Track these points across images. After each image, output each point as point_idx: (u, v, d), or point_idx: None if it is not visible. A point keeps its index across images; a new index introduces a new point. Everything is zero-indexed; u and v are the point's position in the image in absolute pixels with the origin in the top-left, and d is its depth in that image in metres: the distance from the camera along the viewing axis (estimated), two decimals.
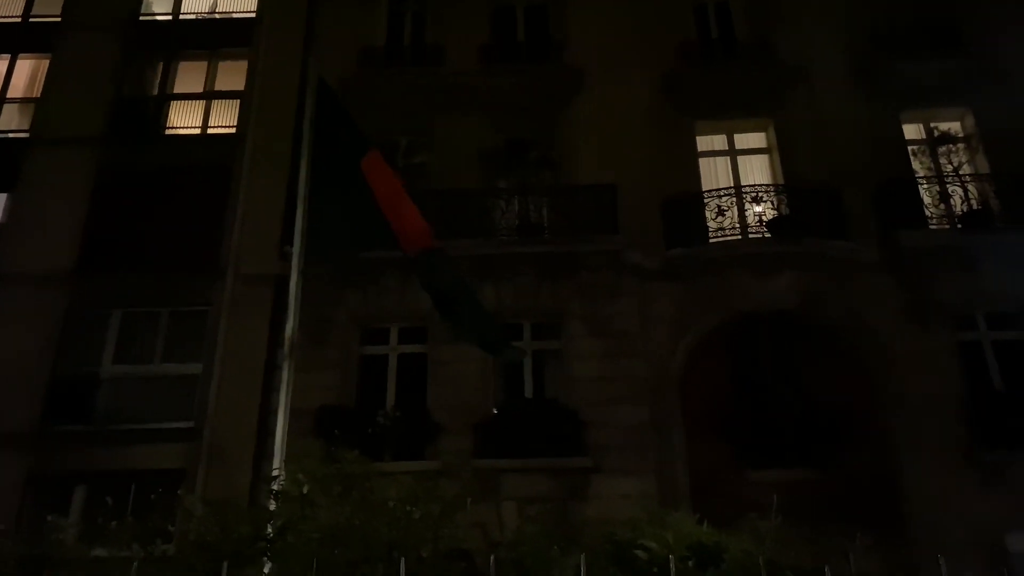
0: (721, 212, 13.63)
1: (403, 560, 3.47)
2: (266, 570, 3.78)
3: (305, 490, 4.20)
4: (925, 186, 13.75)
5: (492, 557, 3.45)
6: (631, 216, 13.56)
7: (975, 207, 13.32)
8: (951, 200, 13.49)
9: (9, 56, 15.96)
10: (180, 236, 13.89)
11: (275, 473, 5.30)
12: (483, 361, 13.07)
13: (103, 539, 4.43)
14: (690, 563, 3.43)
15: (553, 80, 15.07)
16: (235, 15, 16.58)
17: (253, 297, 13.08)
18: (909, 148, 14.40)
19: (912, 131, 14.66)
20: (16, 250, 13.74)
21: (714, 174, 14.83)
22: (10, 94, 15.66)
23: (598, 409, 12.48)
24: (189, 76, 15.85)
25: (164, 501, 4.73)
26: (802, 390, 12.68)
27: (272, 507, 4.32)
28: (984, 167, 13.96)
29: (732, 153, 15.01)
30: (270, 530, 4.06)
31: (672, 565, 3.31)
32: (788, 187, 13.88)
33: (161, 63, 15.86)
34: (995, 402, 12.27)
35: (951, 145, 14.06)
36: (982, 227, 13.15)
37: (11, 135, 15.20)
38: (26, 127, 15.23)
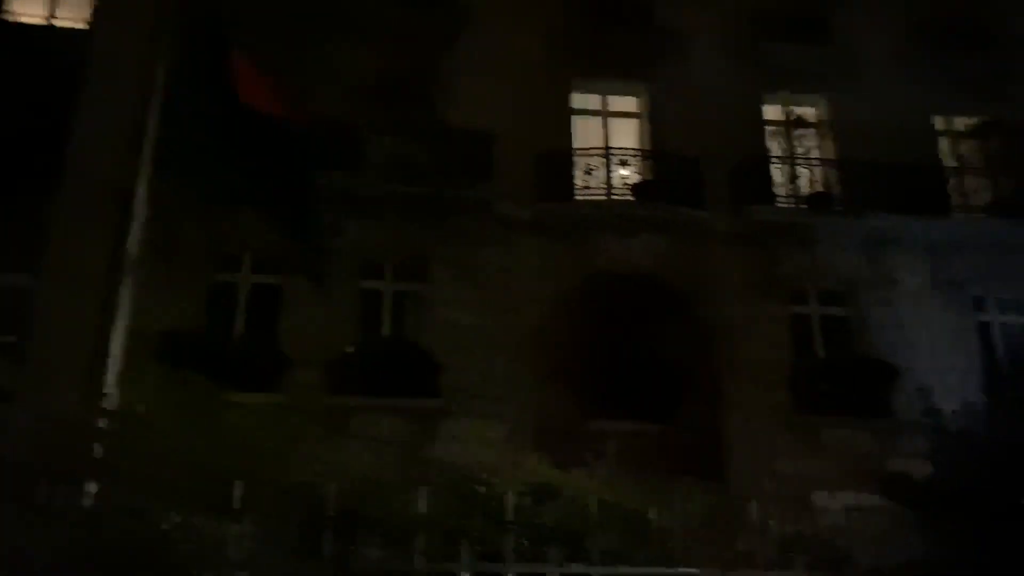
0: (589, 171, 13.92)
1: (239, 485, 3.41)
2: (92, 490, 3.58)
3: (142, 409, 4.01)
4: (778, 166, 14.56)
5: (333, 487, 3.44)
6: (505, 166, 13.57)
7: (819, 189, 14.25)
8: (799, 181, 14.36)
9: None
10: (16, 135, 12.65)
11: (107, 391, 5.02)
12: (341, 298, 12.87)
13: None
14: (528, 499, 3.57)
15: (439, 16, 14.69)
16: None
17: (96, 207, 12.14)
18: (768, 128, 15.16)
19: (773, 112, 15.44)
20: None
21: (587, 133, 15.07)
22: None
23: (456, 353, 12.59)
24: None
25: None
26: (650, 349, 13.29)
27: (103, 426, 4.09)
28: (831, 153, 14.93)
29: (604, 114, 15.29)
30: (100, 450, 3.86)
31: (510, 501, 3.43)
32: (654, 153, 14.34)
33: None
34: (815, 371, 13.35)
35: (804, 129, 14.92)
36: (823, 209, 14.11)
37: None
38: None
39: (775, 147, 15.04)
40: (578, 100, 15.22)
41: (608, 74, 15.20)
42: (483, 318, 12.88)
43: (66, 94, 12.85)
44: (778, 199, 14.27)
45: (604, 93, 15.42)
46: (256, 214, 7.15)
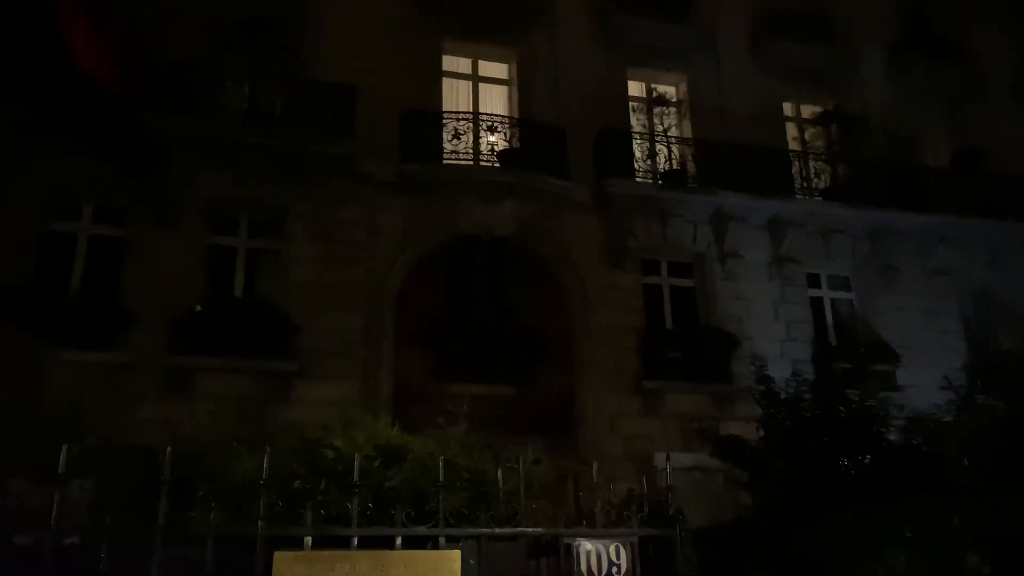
0: (458, 135, 13.82)
1: (66, 448, 3.19)
2: None
3: None
4: (638, 141, 15.01)
5: (168, 449, 3.29)
6: (369, 123, 13.22)
7: (675, 166, 14.83)
8: (657, 157, 14.87)
9: None
10: None
11: None
12: (189, 253, 12.24)
13: None
14: (376, 462, 3.54)
15: None
16: None
17: None
18: (631, 103, 15.57)
19: (636, 88, 15.88)
20: None
21: (456, 96, 14.94)
22: None
23: (311, 314, 12.29)
24: None
25: None
26: (509, 313, 13.49)
27: None
28: (688, 131, 15.55)
29: (475, 79, 15.20)
30: None
31: (356, 462, 3.40)
32: (521, 121, 14.42)
33: None
34: (663, 339, 14.00)
35: (665, 107, 15.44)
36: (677, 185, 14.70)
37: None
38: None
39: (636, 123, 15.45)
40: (449, 63, 15.05)
41: (480, 38, 15.12)
42: (341, 278, 12.64)
43: None
44: (637, 173, 14.71)
45: (475, 57, 15.32)
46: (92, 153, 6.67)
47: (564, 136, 14.31)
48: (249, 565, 3.30)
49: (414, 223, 13.36)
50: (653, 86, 15.97)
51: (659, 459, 12.72)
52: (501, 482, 3.79)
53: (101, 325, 11.52)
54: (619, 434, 12.96)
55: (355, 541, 3.44)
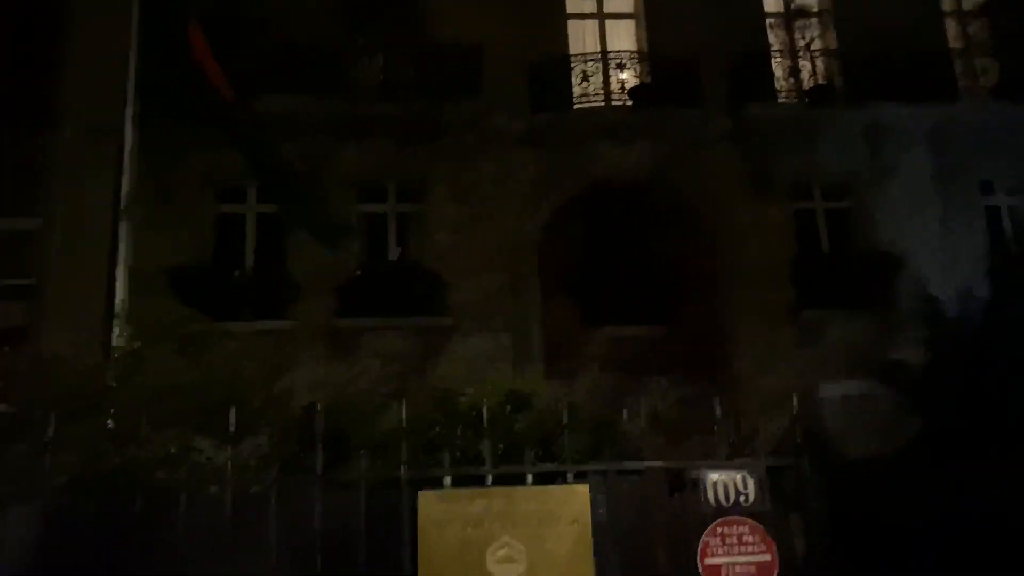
0: (586, 78, 13.71)
1: (233, 410, 3.63)
2: (105, 423, 3.83)
3: (136, 346, 4.23)
4: (778, 60, 14.25)
5: (319, 406, 3.66)
6: (497, 78, 13.37)
7: (821, 82, 13.98)
8: (800, 75, 14.07)
9: None
10: (7, 81, 12.64)
11: (115, 331, 5.28)
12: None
13: None
14: (507, 409, 3.77)
15: None
16: None
17: (95, 150, 12.23)
18: (768, 20, 14.76)
19: (772, 3, 15.00)
20: None
21: (582, 38, 14.77)
22: None
23: (459, 271, 12.76)
24: None
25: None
26: (650, 254, 13.41)
27: (106, 363, 4.33)
28: (832, 42, 14.56)
29: (600, 16, 14.93)
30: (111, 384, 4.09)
31: (484, 409, 3.64)
32: (650, 54, 14.06)
33: None
34: (820, 265, 13.42)
35: (806, 19, 14.51)
36: (825, 102, 13.88)
37: None
38: None
39: (775, 40, 14.64)
40: (572, 4, 14.85)
41: None
42: (483, 234, 12.97)
43: (53, 38, 12.78)
44: (779, 94, 14.01)
45: None
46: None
47: (697, 65, 13.81)
48: (397, 505, 3.65)
49: (549, 174, 13.46)
50: None
51: (822, 390, 12.59)
52: (627, 421, 3.92)
53: (273, 297, 12.51)
54: (774, 367, 12.59)
55: (489, 479, 3.71)
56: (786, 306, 13.07)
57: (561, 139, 13.54)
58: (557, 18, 14.50)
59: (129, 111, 6.51)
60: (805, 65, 14.16)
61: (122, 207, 6.39)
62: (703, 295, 13.16)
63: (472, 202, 13.21)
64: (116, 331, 5.17)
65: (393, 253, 13.24)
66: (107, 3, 12.54)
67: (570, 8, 14.75)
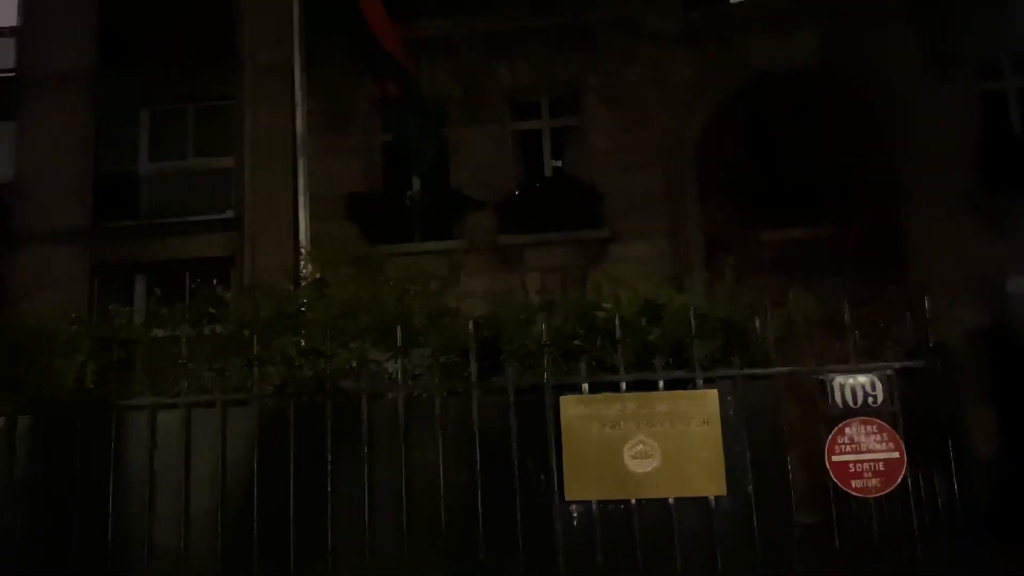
0: None
1: (399, 328, 4.17)
2: (296, 340, 4.51)
3: (318, 275, 4.87)
4: None
5: (471, 322, 4.12)
6: None
7: None
8: None
9: None
10: (192, 29, 13.88)
11: (301, 261, 6.02)
12: (501, 142, 13.40)
13: (160, 321, 5.17)
14: (642, 319, 4.05)
15: None
16: None
17: (273, 87, 13.27)
18: None
19: None
20: (37, 51, 13.94)
21: None
22: None
23: (614, 180, 12.87)
24: None
25: (215, 285, 5.35)
26: (816, 149, 12.82)
27: (296, 289, 5.02)
28: None
29: None
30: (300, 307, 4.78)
31: (616, 321, 3.95)
32: None
33: None
34: (1008, 148, 12.31)
35: None
36: None
37: None
38: None
39: None
40: None
41: None
42: (638, 140, 12.95)
43: None
44: None
45: None
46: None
47: None
48: (541, 407, 4.10)
49: (706, 72, 13.10)
50: None
51: (1011, 285, 11.76)
52: (759, 327, 4.08)
53: (439, 218, 13.24)
54: (959, 262, 11.85)
55: (623, 386, 4.04)
56: (968, 193, 12.15)
57: (716, 35, 13.11)
58: None
59: (296, 48, 7.09)
60: None
61: (297, 143, 7.07)
62: (877, 189, 12.50)
63: (626, 108, 13.16)
64: (302, 260, 5.88)
65: (548, 168, 13.51)
66: None
67: None
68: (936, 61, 12.58)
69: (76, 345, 4.78)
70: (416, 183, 13.50)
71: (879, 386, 3.83)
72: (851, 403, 3.85)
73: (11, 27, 14.30)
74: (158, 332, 5.02)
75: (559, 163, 13.60)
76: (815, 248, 12.41)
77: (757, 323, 4.07)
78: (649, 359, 3.98)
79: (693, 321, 3.86)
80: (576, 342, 4.08)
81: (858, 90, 12.87)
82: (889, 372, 3.87)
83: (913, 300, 11.56)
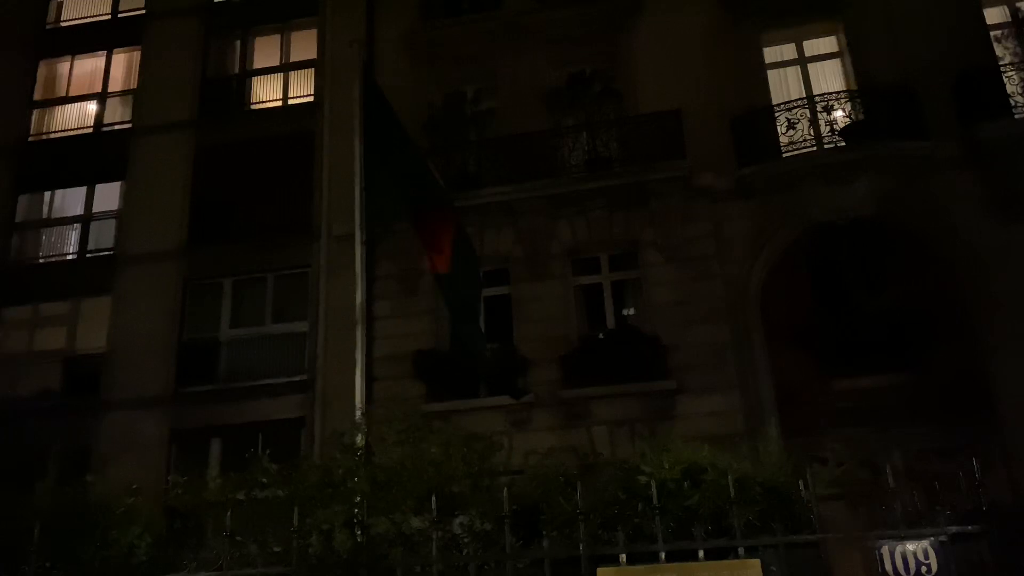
0: (791, 125, 13.45)
1: (434, 497, 4.17)
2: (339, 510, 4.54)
3: (361, 442, 4.96)
4: (1010, 73, 13.04)
5: (505, 490, 4.09)
6: (700, 138, 13.57)
7: None
8: None
9: (105, 52, 17.25)
10: (275, 204, 15.02)
11: (358, 423, 6.13)
12: (564, 297, 13.65)
13: (217, 490, 5.29)
14: (685, 484, 3.95)
15: (609, 9, 14.98)
16: None
17: (345, 256, 13.98)
18: (992, 33, 13.61)
19: (995, 15, 13.83)
20: (134, 232, 15.23)
21: (785, 85, 14.54)
22: (110, 88, 16.99)
23: (678, 332, 12.85)
24: (266, 50, 16.73)
25: (287, 447, 5.49)
26: (885, 295, 12.62)
27: (345, 458, 5.11)
28: None
29: (802, 61, 14.63)
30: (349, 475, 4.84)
31: (653, 487, 3.86)
32: (860, 91, 13.52)
33: (239, 40, 16.78)
34: None
35: None
36: None
37: (117, 127, 16.57)
38: (128, 118, 16.55)
39: (1002, 52, 13.43)
40: (770, 53, 14.71)
41: (799, 18, 14.56)
42: (700, 292, 13.00)
43: (305, 162, 14.98)
44: (1015, 109, 12.78)
45: (798, 39, 14.75)
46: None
47: (912, 93, 13.05)
48: None
49: (763, 224, 13.26)
50: (1019, 5, 13.77)
51: None
52: (804, 490, 3.93)
53: (504, 372, 13.35)
54: None
55: (662, 556, 3.89)
56: None
57: (772, 188, 13.33)
58: (757, 70, 14.40)
59: (358, 222, 7.57)
60: None
61: (357, 307, 7.39)
62: (951, 335, 12.11)
63: (685, 261, 13.34)
64: (357, 422, 6.00)
65: (611, 321, 13.61)
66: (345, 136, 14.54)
67: (769, 58, 14.62)
68: (997, 203, 12.48)
69: (133, 516, 4.92)
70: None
71: (931, 554, 3.58)
72: (902, 572, 3.60)
73: (114, 210, 15.70)
74: (227, 495, 5.10)
75: (629, 311, 13.68)
76: (892, 396, 11.97)
77: (801, 486, 3.92)
78: (690, 525, 3.84)
79: (732, 487, 3.75)
80: (615, 509, 3.99)
81: (922, 236, 12.77)
82: (942, 538, 3.63)
83: (999, 450, 11.01)
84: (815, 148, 13.39)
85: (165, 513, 5.73)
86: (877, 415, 11.59)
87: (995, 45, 13.50)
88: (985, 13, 13.78)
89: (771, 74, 14.55)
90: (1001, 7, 13.90)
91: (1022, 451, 11.36)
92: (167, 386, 13.95)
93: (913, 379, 11.99)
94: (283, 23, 16.80)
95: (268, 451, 5.30)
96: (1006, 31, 13.63)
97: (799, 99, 13.90)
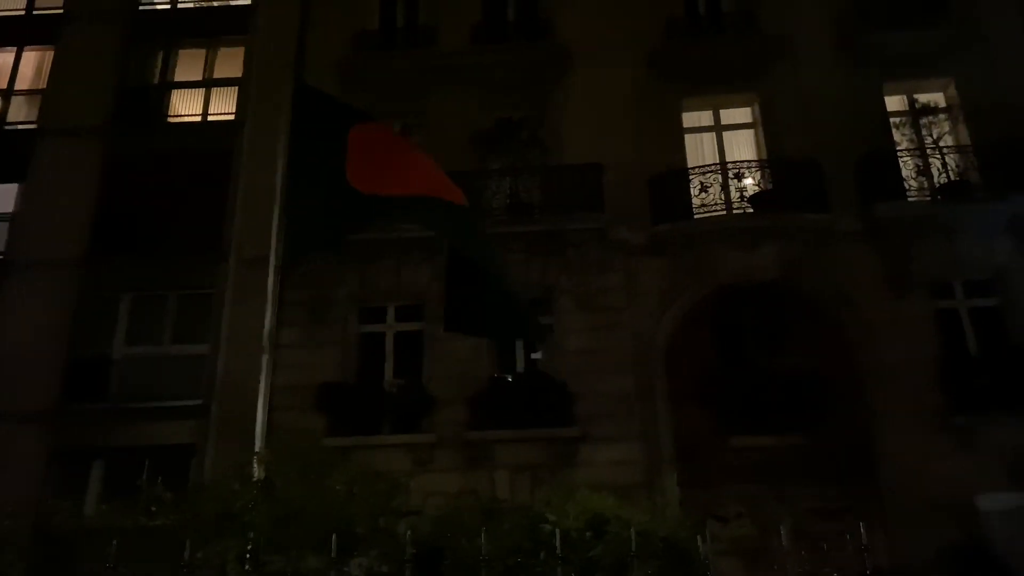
0: (704, 188, 13.99)
1: (334, 537, 4.07)
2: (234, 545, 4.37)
3: (262, 474, 4.80)
4: (906, 158, 13.98)
5: (408, 532, 4.02)
6: (618, 193, 13.93)
7: (954, 178, 13.56)
8: (931, 171, 13.71)
9: (15, 48, 16.49)
10: (184, 221, 14.47)
11: (255, 457, 5.93)
12: (476, 339, 13.62)
13: (103, 516, 5.02)
14: (588, 534, 3.98)
15: (541, 59, 15.36)
16: (232, 2, 16.97)
17: (254, 280, 13.68)
18: (892, 120, 14.58)
19: (895, 103, 14.86)
20: (29, 237, 14.43)
21: (701, 149, 15.15)
22: (17, 86, 16.22)
23: (586, 380, 13.01)
24: (189, 64, 16.33)
25: (176, 474, 5.25)
26: (783, 359, 13.12)
27: (237, 488, 4.92)
28: (965, 138, 14.16)
29: (718, 128, 15.29)
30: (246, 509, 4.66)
31: (557, 537, 3.87)
32: (770, 162, 14.22)
33: (161, 52, 16.31)
34: (969, 367, 12.67)
35: (932, 116, 14.25)
36: (961, 198, 13.41)
37: (20, 126, 15.79)
38: (34, 118, 15.80)
39: (900, 139, 14.41)
40: (689, 118, 15.31)
41: (717, 88, 15.22)
42: (609, 343, 13.24)
43: (220, 181, 14.59)
44: (908, 192, 13.68)
45: (715, 107, 15.43)
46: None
47: (818, 168, 13.81)
48: None
49: (673, 281, 13.64)
50: (915, 96, 14.83)
51: (982, 502, 11.64)
52: (701, 547, 4.01)
53: (411, 409, 13.19)
54: (926, 477, 11.81)
55: None
56: (934, 410, 12.35)
57: (684, 247, 13.78)
58: (675, 133, 14.95)
59: (273, 246, 7.37)
60: (935, 162, 13.80)
61: (265, 333, 7.18)
62: (844, 400, 12.67)
63: (597, 311, 13.58)
64: (256, 453, 5.81)
65: (521, 365, 13.67)
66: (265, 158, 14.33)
67: (687, 123, 15.22)
68: (889, 278, 13.25)
69: (6, 541, 4.60)
70: (388, 375, 13.56)
71: None
72: None
73: (8, 212, 14.87)
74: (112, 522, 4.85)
75: (538, 356, 13.73)
76: (785, 455, 12.39)
77: (700, 543, 4.01)
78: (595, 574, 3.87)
79: (634, 540, 3.80)
80: (518, 557, 3.97)
81: (821, 304, 13.40)
82: None
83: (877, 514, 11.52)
84: (725, 212, 13.95)
85: (40, 538, 5.38)
86: (770, 473, 11.99)
87: (894, 131, 14.45)
88: (886, 100, 14.76)
89: (688, 138, 15.13)
90: (900, 96, 14.91)
91: (899, 516, 11.90)
92: (49, 402, 13.14)
93: (805, 440, 12.43)
94: (210, 39, 16.47)
95: (160, 477, 5.08)
96: (903, 119, 14.62)
97: (713, 164, 14.49)
